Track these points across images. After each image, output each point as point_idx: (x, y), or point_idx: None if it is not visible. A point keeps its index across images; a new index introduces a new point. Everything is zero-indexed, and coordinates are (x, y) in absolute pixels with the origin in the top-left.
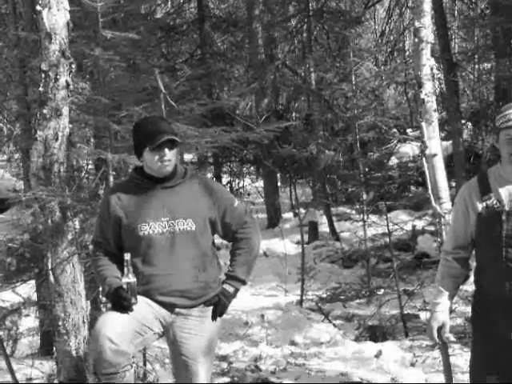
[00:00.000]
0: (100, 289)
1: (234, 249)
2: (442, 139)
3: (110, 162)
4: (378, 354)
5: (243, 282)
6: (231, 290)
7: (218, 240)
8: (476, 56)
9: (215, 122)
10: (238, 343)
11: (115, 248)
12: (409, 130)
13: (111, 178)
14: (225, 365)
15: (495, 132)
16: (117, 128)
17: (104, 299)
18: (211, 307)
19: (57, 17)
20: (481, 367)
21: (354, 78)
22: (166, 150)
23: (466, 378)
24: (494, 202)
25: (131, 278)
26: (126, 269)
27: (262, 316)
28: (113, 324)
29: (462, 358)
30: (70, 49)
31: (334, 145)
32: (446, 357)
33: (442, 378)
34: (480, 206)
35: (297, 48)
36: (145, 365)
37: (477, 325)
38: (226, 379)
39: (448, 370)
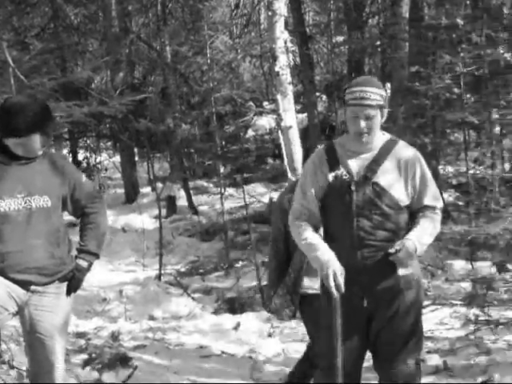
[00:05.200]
0: None
1: (83, 224)
2: (298, 112)
3: None
4: (237, 326)
5: (96, 256)
6: (85, 264)
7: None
8: (330, 29)
9: (69, 96)
10: (96, 320)
11: None
12: (265, 103)
13: None
14: (82, 342)
15: (342, 106)
16: None
17: None
18: (66, 283)
19: None
20: (330, 334)
21: (209, 52)
22: (34, 144)
23: None
24: (344, 172)
25: None
26: None
27: (121, 291)
28: None
29: None
30: None
31: (190, 118)
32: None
33: (298, 346)
34: (330, 176)
35: (151, 21)
36: None
37: (328, 293)
38: (84, 356)
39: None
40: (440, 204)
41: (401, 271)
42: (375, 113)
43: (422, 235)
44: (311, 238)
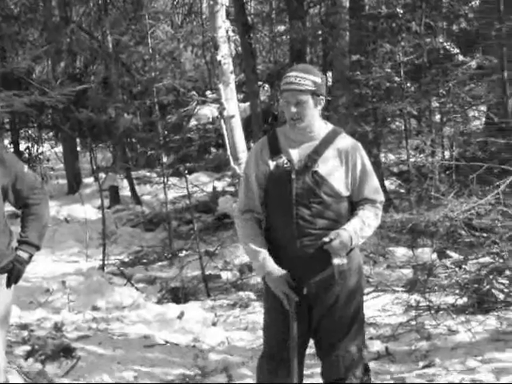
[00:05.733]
0: None
1: (25, 215)
2: (240, 101)
3: None
4: (181, 315)
5: (37, 248)
6: (25, 255)
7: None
8: (271, 18)
9: (9, 86)
10: (39, 311)
11: None
12: (208, 93)
13: None
14: (25, 333)
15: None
16: None
17: None
18: (5, 274)
19: None
20: (274, 322)
21: (150, 41)
22: None
23: None
24: (285, 161)
25: None
26: None
27: (64, 282)
28: None
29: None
30: None
31: (132, 108)
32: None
33: (242, 335)
34: (271, 165)
35: (92, 10)
36: None
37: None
38: (27, 347)
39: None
40: (380, 198)
41: (335, 260)
42: (306, 98)
43: (360, 227)
44: (254, 243)
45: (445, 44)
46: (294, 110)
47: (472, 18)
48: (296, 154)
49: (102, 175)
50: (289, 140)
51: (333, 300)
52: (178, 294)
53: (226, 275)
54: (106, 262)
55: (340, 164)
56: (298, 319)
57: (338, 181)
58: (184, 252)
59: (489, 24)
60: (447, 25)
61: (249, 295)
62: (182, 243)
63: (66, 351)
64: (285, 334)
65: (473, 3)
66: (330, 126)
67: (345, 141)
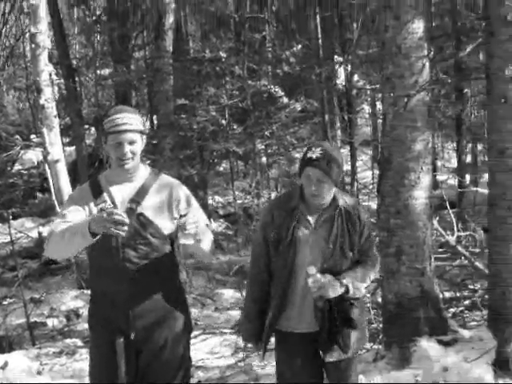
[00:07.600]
0: None
1: None
2: (66, 144)
3: None
4: (4, 366)
5: None
6: None
7: None
8: (95, 61)
9: None
10: None
11: None
12: (32, 137)
13: None
14: None
15: (104, 135)
16: None
17: None
18: None
19: None
20: (99, 370)
21: None
22: None
23: None
24: (108, 204)
25: None
26: None
27: None
28: None
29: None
30: None
31: None
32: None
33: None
34: (95, 209)
35: None
36: None
37: (95, 326)
38: None
39: None
40: (211, 227)
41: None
42: (136, 138)
43: (205, 239)
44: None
45: (269, 87)
46: (127, 148)
47: (294, 63)
48: (119, 197)
49: None
50: (110, 182)
51: (161, 343)
52: (2, 344)
53: (52, 322)
54: None
55: (163, 204)
56: (126, 363)
57: (164, 221)
58: (8, 300)
59: (310, 68)
60: (271, 68)
61: (75, 342)
62: (5, 291)
63: None
64: (112, 377)
65: (294, 48)
66: (149, 169)
67: (166, 181)
